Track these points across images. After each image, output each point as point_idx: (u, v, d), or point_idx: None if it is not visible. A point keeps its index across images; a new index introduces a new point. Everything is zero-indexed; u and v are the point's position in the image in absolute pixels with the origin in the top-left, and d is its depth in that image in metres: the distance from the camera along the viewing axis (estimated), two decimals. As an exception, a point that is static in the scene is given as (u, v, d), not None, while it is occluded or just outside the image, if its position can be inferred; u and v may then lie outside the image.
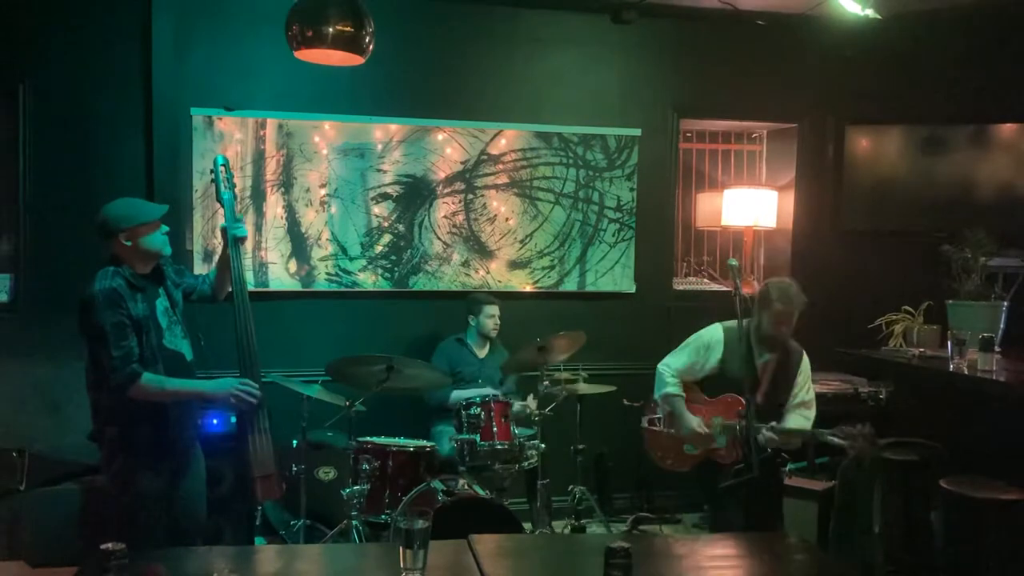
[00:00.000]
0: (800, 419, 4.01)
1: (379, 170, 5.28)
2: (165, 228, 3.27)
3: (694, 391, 4.19)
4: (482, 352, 5.11)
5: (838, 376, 5.25)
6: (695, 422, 4.06)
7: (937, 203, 5.78)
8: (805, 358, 4.11)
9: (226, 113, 5.03)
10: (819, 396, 4.88)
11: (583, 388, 4.83)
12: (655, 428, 4.30)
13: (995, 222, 5.07)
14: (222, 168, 3.58)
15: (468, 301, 5.16)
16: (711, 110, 5.89)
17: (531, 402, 4.71)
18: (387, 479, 4.07)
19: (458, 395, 4.70)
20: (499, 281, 5.47)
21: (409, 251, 5.34)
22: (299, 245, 5.19)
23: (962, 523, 3.71)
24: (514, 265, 5.51)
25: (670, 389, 4.12)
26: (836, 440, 3.79)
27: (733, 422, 3.89)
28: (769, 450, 3.85)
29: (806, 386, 4.10)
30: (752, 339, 4.02)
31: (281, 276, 5.16)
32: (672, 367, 4.15)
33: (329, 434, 4.59)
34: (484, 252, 5.46)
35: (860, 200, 5.93)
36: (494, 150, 5.44)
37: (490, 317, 5.06)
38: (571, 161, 5.56)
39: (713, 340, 4.07)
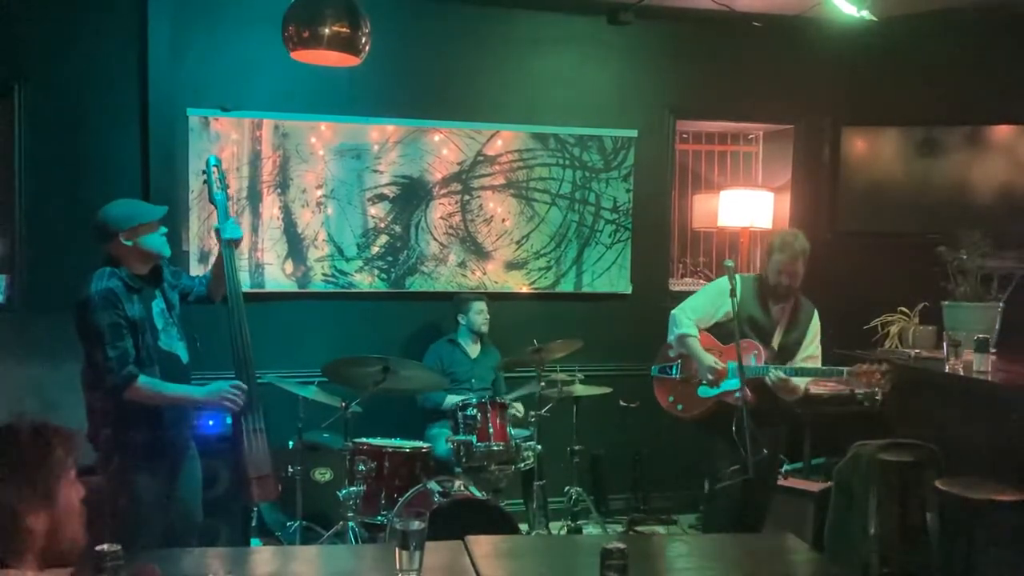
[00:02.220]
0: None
1: (375, 171, 5.27)
2: (164, 229, 3.27)
3: (708, 339, 4.08)
4: (474, 352, 5.11)
5: (834, 377, 5.24)
6: (710, 359, 3.94)
7: (933, 205, 5.79)
8: (816, 314, 4.06)
9: (222, 114, 5.02)
10: (815, 397, 4.91)
11: (579, 389, 4.83)
12: (666, 375, 4.19)
13: (991, 223, 5.09)
14: (215, 169, 3.57)
15: (455, 301, 5.15)
16: (707, 111, 5.90)
17: (518, 407, 4.70)
18: (383, 480, 4.08)
19: (453, 399, 4.71)
20: (495, 282, 5.47)
21: (405, 252, 5.34)
22: (295, 246, 5.18)
23: (957, 524, 3.72)
24: (510, 266, 5.51)
25: (685, 330, 4.03)
26: (843, 376, 3.81)
27: (746, 365, 3.79)
28: (765, 452, 3.84)
29: (815, 341, 4.04)
30: (763, 290, 4.00)
31: (277, 277, 5.16)
32: (687, 310, 4.09)
33: (325, 435, 4.59)
34: (480, 253, 5.46)
35: (856, 202, 5.94)
36: (490, 151, 5.44)
37: (479, 313, 5.05)
38: (567, 162, 5.56)
39: (726, 289, 3.95)
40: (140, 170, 4.90)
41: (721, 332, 4.04)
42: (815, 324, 4.03)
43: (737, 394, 3.73)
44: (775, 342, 3.93)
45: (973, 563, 3.68)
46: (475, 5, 5.39)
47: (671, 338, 4.12)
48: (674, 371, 4.15)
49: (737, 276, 3.88)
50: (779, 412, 4.02)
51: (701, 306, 4.07)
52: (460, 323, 5.10)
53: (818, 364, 4.00)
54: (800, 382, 3.92)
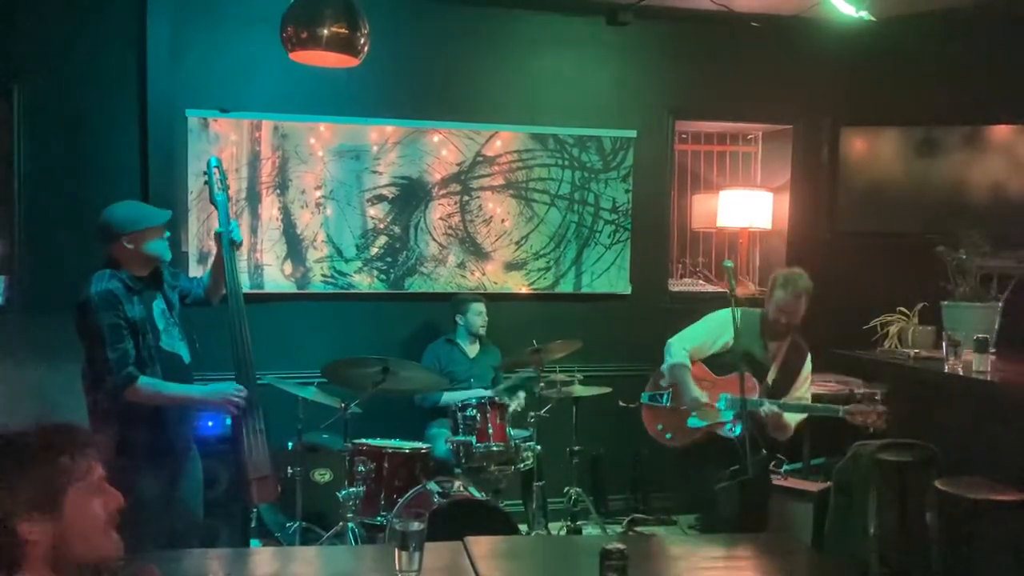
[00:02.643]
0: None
1: (375, 172, 5.27)
2: (167, 233, 3.27)
3: (702, 370, 4.15)
4: (472, 351, 5.11)
5: (833, 377, 5.25)
6: (696, 391, 4.00)
7: (932, 205, 5.79)
8: (809, 358, 4.12)
9: (221, 115, 5.02)
10: (814, 397, 4.90)
11: (579, 390, 4.83)
12: (656, 403, 4.24)
13: (990, 223, 5.08)
14: (215, 170, 3.57)
15: (454, 302, 5.15)
16: (706, 112, 5.90)
17: (520, 398, 4.71)
18: (383, 481, 4.07)
19: (450, 396, 4.71)
20: (495, 283, 5.47)
21: (405, 253, 5.34)
22: (294, 247, 5.18)
23: (957, 524, 3.72)
24: (510, 267, 5.51)
25: (678, 359, 4.08)
26: (839, 415, 3.82)
27: (738, 397, 3.79)
28: (764, 451, 3.85)
29: (805, 384, 4.12)
30: (762, 327, 4.03)
31: (276, 278, 5.16)
32: (684, 340, 4.14)
33: (325, 436, 4.59)
34: (480, 254, 5.46)
35: (855, 202, 5.94)
36: (489, 152, 5.44)
37: (478, 315, 5.05)
38: (567, 163, 5.56)
39: (726, 321, 4.01)
40: (139, 171, 4.90)
41: (716, 363, 4.11)
42: (807, 368, 4.12)
43: (736, 430, 3.79)
44: (770, 378, 3.97)
45: (972, 563, 3.68)
46: (474, 6, 5.39)
47: (664, 367, 4.18)
48: (664, 399, 4.20)
49: (738, 310, 3.85)
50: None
51: (699, 336, 4.13)
52: (458, 323, 5.10)
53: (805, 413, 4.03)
54: (791, 420, 3.96)
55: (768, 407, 3.82)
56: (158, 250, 3.21)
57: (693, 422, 4.06)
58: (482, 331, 5.08)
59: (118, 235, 3.15)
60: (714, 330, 4.09)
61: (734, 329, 3.74)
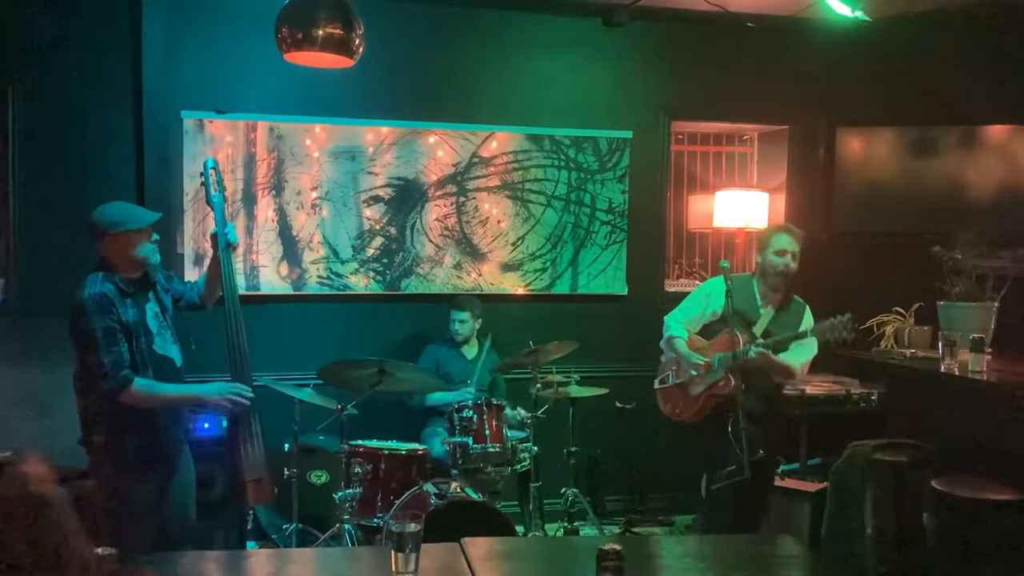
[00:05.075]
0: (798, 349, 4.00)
1: (370, 173, 5.27)
2: (155, 236, 3.25)
3: (698, 340, 4.17)
4: (470, 354, 5.10)
5: (830, 377, 5.26)
6: (694, 356, 4.02)
7: (928, 205, 5.79)
8: (808, 310, 4.08)
9: (217, 116, 5.01)
10: (811, 397, 4.91)
11: (576, 391, 4.83)
12: (664, 385, 4.26)
13: (985, 223, 5.10)
14: (212, 171, 3.56)
15: (448, 304, 5.15)
16: (702, 112, 5.89)
17: (520, 411, 4.71)
18: (379, 482, 4.07)
19: (438, 397, 4.73)
20: (491, 284, 5.47)
21: (401, 254, 5.34)
22: (290, 248, 5.17)
23: (954, 524, 3.72)
24: (506, 268, 5.51)
25: (673, 331, 4.14)
26: (818, 334, 3.81)
27: (729, 353, 3.84)
28: (761, 452, 3.84)
29: (808, 329, 4.06)
30: (755, 288, 4.05)
31: (272, 279, 5.15)
32: (676, 314, 4.19)
33: (321, 438, 4.58)
34: (476, 255, 5.46)
35: (851, 202, 5.94)
36: (485, 153, 5.43)
37: (460, 322, 5.02)
38: (563, 163, 5.56)
39: (714, 288, 4.07)
40: (135, 173, 4.89)
41: (709, 332, 4.13)
42: (808, 319, 4.03)
43: (721, 382, 3.85)
44: (757, 329, 3.96)
45: (969, 563, 3.68)
46: (470, 7, 5.38)
47: (662, 343, 4.21)
48: (671, 379, 4.21)
49: (724, 276, 3.92)
50: (773, 407, 4.04)
51: (689, 308, 4.17)
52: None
53: (811, 347, 3.99)
54: (793, 361, 3.93)
55: (754, 349, 3.81)
56: (143, 252, 3.19)
57: (694, 390, 4.06)
58: (458, 338, 5.05)
59: (105, 234, 3.14)
60: (701, 300, 4.13)
61: (725, 293, 3.81)
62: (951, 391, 4.26)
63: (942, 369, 4.29)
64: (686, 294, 5.31)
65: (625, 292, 5.69)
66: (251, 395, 3.27)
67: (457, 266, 5.42)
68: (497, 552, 2.75)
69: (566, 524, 4.91)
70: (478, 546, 2.64)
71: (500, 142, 5.45)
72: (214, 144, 5.01)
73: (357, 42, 3.34)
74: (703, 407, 4.02)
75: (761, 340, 3.87)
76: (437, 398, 4.80)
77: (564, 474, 4.90)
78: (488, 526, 3.62)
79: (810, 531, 4.40)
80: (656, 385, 4.33)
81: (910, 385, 4.63)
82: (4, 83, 4.77)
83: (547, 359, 4.68)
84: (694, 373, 4.00)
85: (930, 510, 3.80)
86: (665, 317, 4.22)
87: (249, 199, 5.10)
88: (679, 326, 4.14)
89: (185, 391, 3.25)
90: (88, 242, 3.20)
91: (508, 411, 4.51)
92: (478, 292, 5.34)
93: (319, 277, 5.22)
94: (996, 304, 4.66)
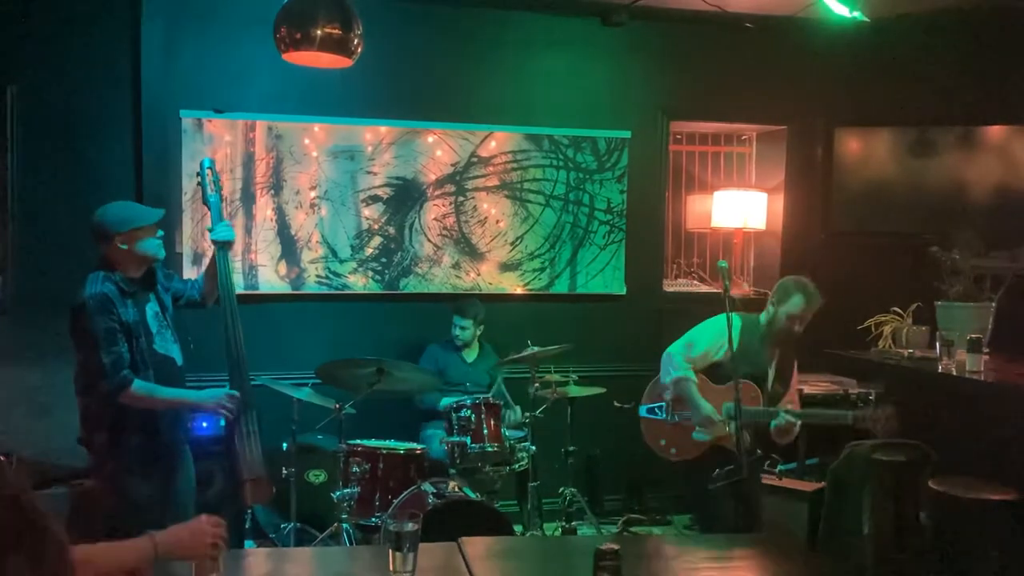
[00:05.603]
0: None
1: (369, 172, 5.27)
2: (160, 232, 3.27)
3: (700, 379, 3.98)
4: (471, 355, 5.11)
5: (828, 377, 5.26)
6: (708, 408, 3.84)
7: (926, 205, 5.80)
8: (795, 363, 4.12)
9: (216, 115, 5.01)
10: (809, 397, 4.91)
11: (574, 390, 4.83)
12: (655, 417, 4.09)
13: (983, 224, 5.10)
14: (208, 171, 3.58)
15: (451, 307, 5.15)
16: (700, 112, 5.90)
17: (517, 411, 4.71)
18: (377, 482, 4.07)
19: (449, 400, 4.71)
20: (490, 283, 5.47)
21: (399, 253, 5.34)
22: (289, 247, 5.18)
23: (951, 523, 3.72)
24: (505, 267, 5.51)
25: (682, 372, 3.90)
26: (856, 422, 3.75)
27: (747, 407, 3.69)
28: (759, 452, 3.84)
29: (795, 387, 4.12)
30: (764, 333, 3.93)
31: (271, 279, 5.15)
32: (685, 351, 3.96)
33: (319, 437, 4.58)
34: (475, 254, 5.46)
35: (849, 202, 5.95)
36: (484, 152, 5.44)
37: (460, 328, 5.03)
38: (561, 163, 5.56)
39: (725, 327, 3.91)
40: (133, 172, 4.89)
41: (714, 371, 3.96)
42: (795, 372, 4.06)
43: (733, 433, 3.68)
44: (769, 385, 3.93)
45: (967, 562, 3.69)
46: (468, 7, 5.39)
47: (667, 379, 3.98)
48: (662, 414, 4.04)
49: (737, 316, 3.74)
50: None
51: (701, 345, 3.94)
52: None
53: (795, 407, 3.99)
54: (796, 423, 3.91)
55: (783, 418, 3.73)
56: (151, 249, 3.21)
57: (699, 435, 3.92)
58: (459, 343, 5.06)
59: (111, 235, 3.14)
60: (714, 340, 3.91)
61: (736, 336, 3.59)
62: (949, 391, 4.26)
63: (939, 369, 4.29)
64: (685, 294, 5.30)
65: (623, 292, 5.69)
66: (239, 397, 3.28)
67: (456, 266, 5.42)
68: (495, 551, 2.75)
69: (564, 523, 4.92)
70: (476, 545, 2.65)
71: (499, 142, 5.45)
72: (213, 143, 5.01)
73: (356, 42, 3.34)
74: (705, 453, 3.90)
75: (790, 408, 3.80)
76: (448, 401, 4.73)
77: (562, 474, 4.90)
78: (486, 525, 3.62)
79: (808, 531, 4.40)
80: (643, 413, 4.14)
81: (908, 385, 4.63)
82: (3, 82, 4.76)
83: (545, 359, 4.68)
84: (705, 427, 3.84)
85: (927, 510, 3.80)
86: (668, 349, 3.99)
87: (248, 198, 5.10)
88: (687, 366, 3.90)
89: (182, 396, 3.26)
90: (88, 241, 3.20)
91: (506, 411, 4.51)
92: (476, 292, 5.35)
93: (318, 276, 5.22)
94: (993, 304, 4.66)
